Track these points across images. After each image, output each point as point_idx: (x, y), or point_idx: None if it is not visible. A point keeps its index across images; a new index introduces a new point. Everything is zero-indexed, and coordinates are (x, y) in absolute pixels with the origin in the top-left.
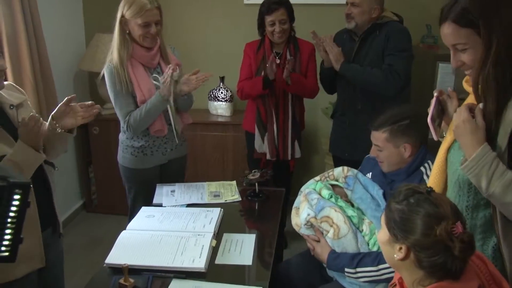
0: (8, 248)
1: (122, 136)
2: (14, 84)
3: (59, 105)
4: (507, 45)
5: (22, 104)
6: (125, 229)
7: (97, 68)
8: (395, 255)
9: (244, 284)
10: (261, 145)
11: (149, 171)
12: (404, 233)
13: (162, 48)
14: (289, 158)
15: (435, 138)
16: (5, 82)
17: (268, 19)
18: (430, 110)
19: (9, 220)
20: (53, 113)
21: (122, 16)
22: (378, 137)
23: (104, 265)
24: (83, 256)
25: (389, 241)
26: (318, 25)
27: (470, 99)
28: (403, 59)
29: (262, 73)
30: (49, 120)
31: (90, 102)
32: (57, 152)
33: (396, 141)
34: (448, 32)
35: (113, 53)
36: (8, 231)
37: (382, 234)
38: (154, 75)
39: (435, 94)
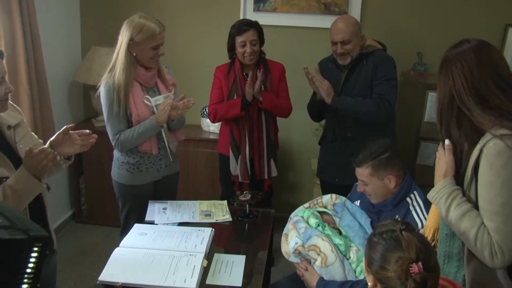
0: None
1: (117, 153)
2: (12, 104)
3: (57, 133)
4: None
5: (19, 124)
6: (118, 245)
7: (92, 81)
8: (369, 283)
9: None
10: (236, 167)
11: (143, 187)
12: (370, 263)
13: (160, 68)
14: (266, 177)
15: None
16: None
17: (239, 40)
18: None
19: (27, 272)
20: (51, 139)
21: (131, 39)
22: (361, 173)
23: (98, 282)
24: (72, 267)
25: (366, 271)
26: (299, 46)
27: None
28: (392, 87)
29: (235, 96)
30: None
31: (88, 131)
32: (53, 174)
33: (380, 174)
34: None
35: (117, 75)
36: (25, 286)
37: (363, 263)
38: (146, 96)
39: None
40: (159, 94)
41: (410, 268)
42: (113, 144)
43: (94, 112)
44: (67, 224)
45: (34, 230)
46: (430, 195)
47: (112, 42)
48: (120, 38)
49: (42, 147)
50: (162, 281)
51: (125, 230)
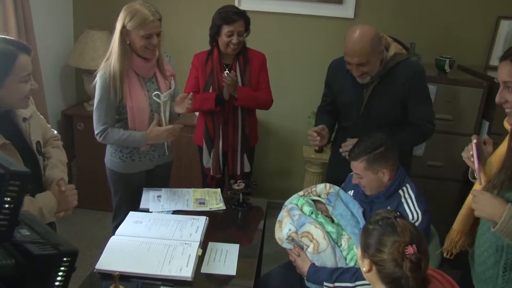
0: (5, 223)
1: None
2: None
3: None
4: None
5: (31, 116)
6: (111, 231)
7: (84, 64)
8: (363, 269)
9: None
10: (208, 160)
11: (135, 176)
12: (366, 247)
13: (160, 58)
14: (238, 173)
15: (480, 184)
16: None
17: (226, 29)
18: (475, 159)
19: (56, 285)
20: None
21: (123, 27)
22: (356, 166)
23: (94, 270)
24: None
25: (361, 256)
26: (292, 34)
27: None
28: (430, 105)
29: (210, 89)
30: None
31: (72, 185)
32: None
33: (374, 168)
34: (504, 69)
35: (112, 63)
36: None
37: (358, 251)
38: (156, 92)
39: (474, 141)
40: (158, 85)
41: (406, 250)
42: (96, 134)
43: (86, 96)
44: None
45: (63, 245)
46: (499, 228)
47: (105, 25)
48: (116, 25)
49: (71, 186)
50: (158, 270)
51: (116, 217)
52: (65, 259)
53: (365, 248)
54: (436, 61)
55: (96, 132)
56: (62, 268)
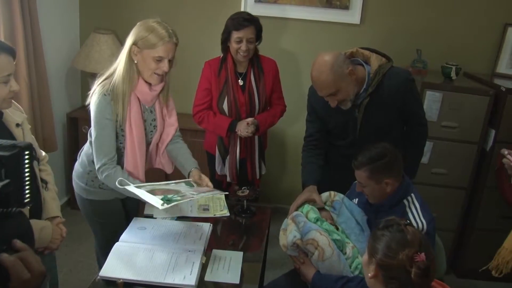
0: (28, 195)
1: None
2: (15, 103)
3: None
4: None
5: (23, 123)
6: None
7: (90, 68)
8: (369, 273)
9: None
10: (222, 168)
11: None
12: (374, 252)
13: (165, 89)
14: (258, 177)
15: None
16: None
17: (236, 35)
18: None
19: (26, 175)
20: None
21: (134, 43)
22: (359, 175)
23: (98, 277)
24: (68, 254)
25: (367, 262)
26: (299, 39)
27: None
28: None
29: (225, 100)
30: None
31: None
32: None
33: (377, 178)
34: None
35: (116, 83)
36: (27, 184)
37: (364, 256)
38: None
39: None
40: (155, 116)
41: (415, 257)
42: (98, 168)
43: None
44: (62, 210)
45: (18, 142)
46: None
47: (111, 28)
48: (126, 41)
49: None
50: (162, 278)
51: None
52: (27, 152)
53: (372, 253)
54: (442, 68)
55: (97, 166)
56: (26, 161)
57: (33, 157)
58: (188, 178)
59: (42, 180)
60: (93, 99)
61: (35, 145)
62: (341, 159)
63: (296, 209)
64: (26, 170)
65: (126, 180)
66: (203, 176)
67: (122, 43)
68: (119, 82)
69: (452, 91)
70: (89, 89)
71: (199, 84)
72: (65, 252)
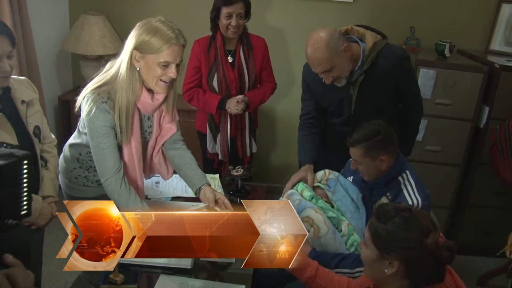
0: (25, 207)
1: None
2: (29, 81)
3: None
4: None
5: (32, 102)
6: None
7: (81, 50)
8: (385, 270)
9: (228, 281)
10: (214, 146)
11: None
12: (398, 249)
13: (170, 97)
14: (248, 155)
15: None
16: (21, 78)
17: (225, 10)
18: None
19: (24, 186)
20: None
21: (136, 48)
22: (355, 152)
23: None
24: (57, 240)
25: (378, 259)
26: (288, 17)
27: None
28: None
29: (215, 77)
30: None
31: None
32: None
33: (373, 156)
34: None
35: (118, 94)
36: (24, 195)
37: (369, 253)
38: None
39: None
40: (152, 123)
41: (438, 239)
42: (105, 181)
43: (83, 81)
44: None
45: (17, 151)
46: None
47: (101, 9)
48: (125, 45)
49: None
50: (157, 258)
51: None
52: (25, 161)
53: (384, 250)
54: (436, 45)
55: (102, 180)
56: (24, 171)
57: (31, 167)
58: (198, 194)
59: (42, 158)
60: (86, 109)
61: (44, 126)
62: (336, 138)
63: (291, 188)
64: (24, 180)
65: None
66: (218, 194)
67: (112, 24)
68: (121, 93)
69: (446, 68)
70: (80, 72)
71: (189, 63)
72: (53, 238)
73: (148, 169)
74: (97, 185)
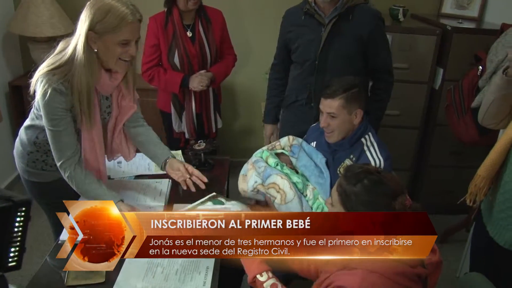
0: (15, 259)
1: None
2: None
3: None
4: None
5: None
6: None
7: (29, 32)
8: None
9: None
10: (180, 125)
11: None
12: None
13: (129, 74)
14: (214, 130)
15: None
16: None
17: None
18: None
19: (15, 235)
20: None
21: (91, 29)
22: (332, 104)
23: (59, 242)
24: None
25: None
26: None
27: None
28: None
29: (176, 53)
30: None
31: None
32: None
33: (350, 108)
34: None
35: (76, 77)
36: (14, 245)
37: (328, 200)
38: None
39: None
40: (111, 103)
41: (405, 202)
42: (59, 166)
43: (34, 65)
44: (14, 185)
45: (16, 196)
46: None
47: None
48: (78, 26)
49: None
50: None
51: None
52: (20, 208)
53: (352, 210)
54: (389, 10)
55: (59, 162)
56: (18, 219)
57: (28, 216)
58: (164, 168)
59: None
60: (41, 91)
61: None
62: (299, 101)
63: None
64: (16, 230)
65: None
66: (186, 164)
67: (60, 3)
68: (80, 77)
69: (400, 32)
70: (30, 55)
71: (146, 41)
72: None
73: (110, 151)
74: (56, 169)
